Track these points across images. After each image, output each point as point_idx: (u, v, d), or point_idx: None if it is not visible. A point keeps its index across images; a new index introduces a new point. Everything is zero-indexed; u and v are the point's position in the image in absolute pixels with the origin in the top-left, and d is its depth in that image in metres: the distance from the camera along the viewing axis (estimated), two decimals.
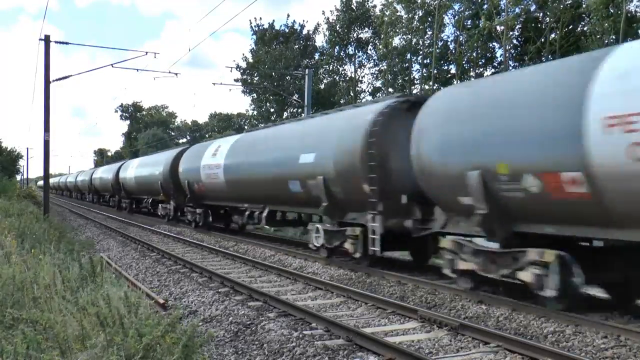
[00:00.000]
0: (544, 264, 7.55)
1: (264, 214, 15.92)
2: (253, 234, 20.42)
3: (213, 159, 18.94)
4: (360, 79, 45.23)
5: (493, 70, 34.36)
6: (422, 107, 9.89)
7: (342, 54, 44.74)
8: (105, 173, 40.73)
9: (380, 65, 42.33)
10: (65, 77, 24.25)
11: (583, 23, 29.37)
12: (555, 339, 6.68)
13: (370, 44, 43.61)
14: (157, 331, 4.28)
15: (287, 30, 46.72)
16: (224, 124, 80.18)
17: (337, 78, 45.73)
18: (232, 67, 35.76)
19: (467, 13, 34.12)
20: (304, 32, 47.21)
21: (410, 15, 36.13)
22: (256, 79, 45.96)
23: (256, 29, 46.80)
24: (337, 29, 43.21)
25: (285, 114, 45.45)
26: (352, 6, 42.62)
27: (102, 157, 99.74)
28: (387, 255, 12.52)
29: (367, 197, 11.00)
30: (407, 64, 38.92)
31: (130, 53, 54.02)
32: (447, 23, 36.51)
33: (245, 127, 54.80)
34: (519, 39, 32.68)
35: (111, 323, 4.41)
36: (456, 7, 34.68)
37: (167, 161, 24.54)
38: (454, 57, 34.02)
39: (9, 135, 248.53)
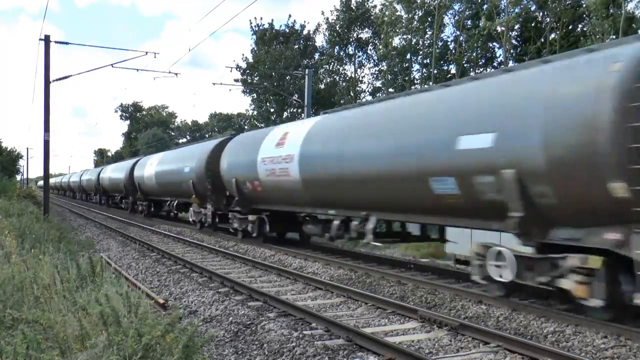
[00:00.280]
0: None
1: (369, 226, 11.26)
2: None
3: (278, 149, 14.55)
4: (360, 79, 45.25)
5: (493, 70, 34.33)
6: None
7: (342, 54, 44.75)
8: (116, 172, 36.30)
9: (380, 65, 42.34)
10: (65, 77, 24.26)
11: (583, 23, 29.37)
12: (555, 339, 6.68)
13: (370, 44, 43.62)
14: (156, 331, 4.27)
15: (287, 30, 46.73)
16: (224, 124, 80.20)
17: (337, 78, 45.74)
18: (232, 67, 35.75)
19: (467, 13, 34.13)
20: (304, 32, 47.24)
21: (410, 16, 36.14)
22: (256, 79, 45.96)
23: (256, 28, 46.81)
24: (337, 29, 43.21)
25: (285, 114, 45.46)
26: (352, 6, 42.62)
27: (102, 158, 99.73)
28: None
29: (619, 203, 6.47)
30: (407, 64, 38.92)
31: (130, 53, 53.99)
32: (447, 23, 36.55)
33: (245, 127, 54.80)
34: (518, 39, 32.68)
35: (111, 323, 4.40)
36: (456, 7, 34.70)
37: (202, 155, 20.51)
38: (454, 57, 34.00)
39: (9, 135, 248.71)
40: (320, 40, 47.16)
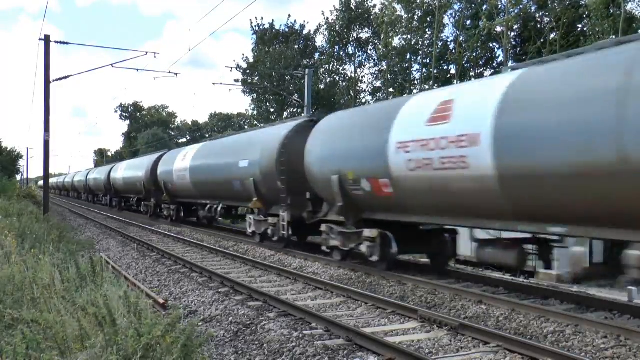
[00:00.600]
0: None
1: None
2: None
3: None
4: (360, 79, 45.26)
5: (492, 70, 34.37)
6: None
7: (341, 53, 44.77)
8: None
9: (380, 65, 42.36)
10: (65, 77, 24.27)
11: (583, 23, 29.38)
12: (555, 339, 6.68)
13: (370, 43, 43.64)
14: (157, 331, 4.28)
15: (287, 30, 46.74)
16: (224, 124, 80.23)
17: (337, 78, 45.76)
18: (232, 67, 35.72)
19: (467, 13, 34.13)
20: (304, 32, 47.25)
21: (410, 16, 36.14)
22: (256, 79, 45.97)
23: (257, 28, 46.82)
24: (337, 28, 43.23)
25: (285, 114, 45.47)
26: (351, 6, 42.64)
27: (102, 157, 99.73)
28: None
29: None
30: (407, 64, 38.93)
31: (131, 53, 54.02)
32: (447, 23, 36.57)
33: (245, 127, 54.82)
34: (517, 39, 32.69)
35: (110, 323, 4.40)
36: (456, 7, 34.71)
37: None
38: (454, 57, 34.01)
39: (9, 135, 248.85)
40: (320, 40, 47.15)
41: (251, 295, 9.26)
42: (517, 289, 9.46)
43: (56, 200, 58.58)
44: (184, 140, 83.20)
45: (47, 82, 22.35)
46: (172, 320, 4.52)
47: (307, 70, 27.79)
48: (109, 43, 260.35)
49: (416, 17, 35.87)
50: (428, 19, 35.28)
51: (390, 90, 38.82)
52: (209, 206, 20.29)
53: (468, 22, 34.13)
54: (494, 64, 34.86)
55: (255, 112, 49.38)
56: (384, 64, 40.73)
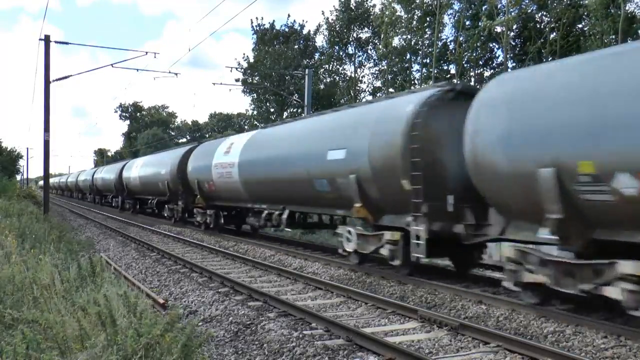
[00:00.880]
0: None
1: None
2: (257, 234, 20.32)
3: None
4: (360, 78, 45.27)
5: (492, 71, 34.39)
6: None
7: (341, 53, 44.78)
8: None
9: (380, 65, 42.37)
10: (65, 77, 24.27)
11: (583, 23, 29.39)
12: (555, 339, 6.68)
13: (370, 43, 43.65)
14: (157, 330, 4.27)
15: (287, 30, 46.75)
16: (224, 124, 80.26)
17: (337, 78, 45.77)
18: (232, 67, 35.71)
19: (467, 13, 34.13)
20: (304, 31, 47.26)
21: (409, 16, 36.14)
22: (256, 79, 45.97)
23: (257, 28, 46.83)
24: (337, 28, 43.24)
25: (285, 114, 45.48)
26: (351, 6, 42.65)
27: (102, 157, 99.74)
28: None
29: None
30: (407, 64, 38.93)
31: (131, 53, 54.11)
32: (447, 23, 36.57)
33: (246, 127, 54.82)
34: (516, 40, 32.69)
35: (110, 323, 4.40)
36: (456, 7, 34.71)
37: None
38: (454, 57, 34.02)
39: (9, 135, 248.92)
40: (320, 40, 47.19)
41: (251, 295, 9.26)
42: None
43: (56, 200, 58.58)
44: (184, 140, 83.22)
45: (47, 82, 22.35)
46: (171, 320, 4.52)
47: (307, 70, 27.79)
48: (109, 43, 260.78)
49: (416, 17, 35.87)
50: (428, 18, 35.27)
51: (390, 90, 38.81)
52: (266, 212, 15.71)
53: (468, 22, 34.13)
54: (494, 64, 34.88)
55: (255, 112, 49.40)
56: (384, 63, 40.74)
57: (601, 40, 24.56)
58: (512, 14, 29.36)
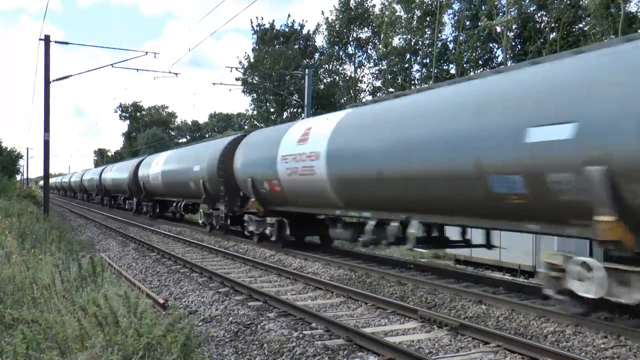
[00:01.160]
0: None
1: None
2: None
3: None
4: (360, 78, 45.28)
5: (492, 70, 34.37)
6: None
7: (341, 53, 44.80)
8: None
9: (380, 65, 42.39)
10: (65, 77, 24.26)
11: (583, 24, 29.40)
12: (555, 339, 6.68)
13: (370, 43, 43.67)
14: (157, 330, 4.28)
15: (287, 30, 46.76)
16: (223, 124, 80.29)
17: (337, 78, 45.78)
18: (232, 67, 35.71)
19: (467, 13, 34.14)
20: (304, 31, 47.28)
21: (409, 15, 36.15)
22: (256, 79, 45.99)
23: (257, 28, 46.84)
24: (336, 28, 43.25)
25: (285, 114, 45.50)
26: (351, 6, 42.66)
27: (102, 157, 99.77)
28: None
29: None
30: (406, 64, 38.94)
31: (131, 53, 54.14)
32: (446, 22, 36.57)
33: (245, 127, 54.81)
34: (517, 39, 32.69)
35: (108, 324, 4.41)
36: (455, 7, 34.74)
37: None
38: (454, 57, 34.04)
39: (9, 135, 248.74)
40: (320, 40, 47.26)
41: (251, 295, 9.26)
42: (517, 289, 9.46)
43: (56, 200, 58.58)
44: (184, 140, 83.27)
45: (47, 82, 22.34)
46: (172, 320, 4.52)
47: (307, 70, 27.79)
48: (109, 43, 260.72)
49: (416, 17, 35.88)
50: (428, 18, 35.28)
51: (390, 90, 38.82)
52: (372, 224, 12.32)
53: (468, 23, 34.15)
54: (494, 64, 34.89)
55: (255, 112, 49.42)
56: (383, 63, 40.76)
57: (601, 40, 24.58)
58: (512, 13, 29.38)
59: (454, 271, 11.45)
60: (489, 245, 10.61)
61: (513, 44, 32.61)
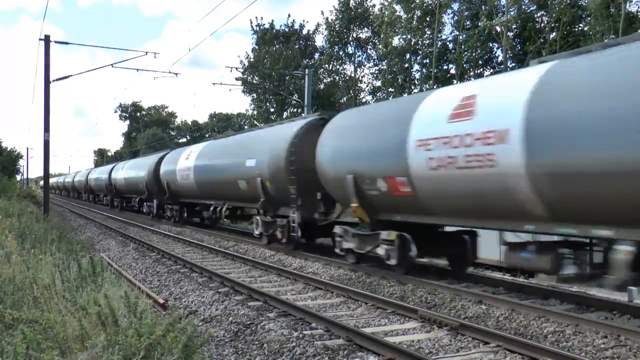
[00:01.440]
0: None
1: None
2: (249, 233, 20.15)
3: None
4: (360, 78, 45.29)
5: (492, 70, 34.39)
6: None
7: (341, 53, 44.81)
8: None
9: (380, 65, 42.39)
10: (66, 77, 24.25)
11: (583, 23, 29.41)
12: (555, 339, 6.68)
13: (370, 43, 43.67)
14: (159, 331, 4.28)
15: (287, 30, 46.77)
16: (223, 124, 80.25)
17: (337, 78, 45.79)
18: (232, 67, 35.70)
19: (466, 14, 34.14)
20: (304, 31, 47.29)
21: (409, 15, 36.16)
22: (256, 79, 45.99)
23: (257, 28, 46.84)
24: (336, 28, 43.25)
25: (285, 114, 45.50)
26: (351, 5, 42.67)
27: (102, 157, 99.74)
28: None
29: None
30: (406, 64, 38.95)
31: (131, 53, 54.09)
32: (446, 22, 36.57)
33: (245, 127, 54.84)
34: (517, 39, 32.70)
35: (112, 322, 4.41)
36: (455, 7, 34.75)
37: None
38: (454, 57, 34.04)
39: (9, 135, 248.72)
40: (320, 40, 47.27)
41: (251, 295, 9.26)
42: (517, 289, 9.46)
43: (56, 200, 58.58)
44: (184, 140, 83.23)
45: (47, 82, 22.33)
46: (173, 320, 4.52)
47: (307, 70, 27.79)
48: (109, 43, 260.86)
49: (415, 17, 35.89)
50: (427, 18, 35.29)
51: (390, 89, 38.83)
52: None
53: (468, 23, 34.15)
54: (494, 64, 34.90)
55: (255, 112, 49.42)
56: (383, 63, 40.76)
57: (602, 40, 24.58)
58: (512, 13, 29.38)
59: (454, 271, 11.44)
60: None
61: (513, 44, 32.61)
